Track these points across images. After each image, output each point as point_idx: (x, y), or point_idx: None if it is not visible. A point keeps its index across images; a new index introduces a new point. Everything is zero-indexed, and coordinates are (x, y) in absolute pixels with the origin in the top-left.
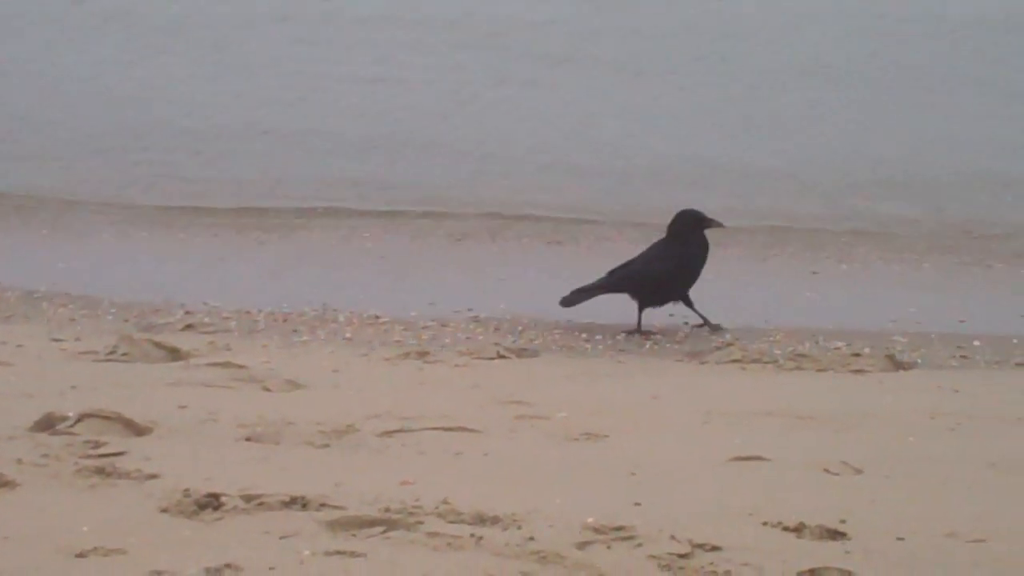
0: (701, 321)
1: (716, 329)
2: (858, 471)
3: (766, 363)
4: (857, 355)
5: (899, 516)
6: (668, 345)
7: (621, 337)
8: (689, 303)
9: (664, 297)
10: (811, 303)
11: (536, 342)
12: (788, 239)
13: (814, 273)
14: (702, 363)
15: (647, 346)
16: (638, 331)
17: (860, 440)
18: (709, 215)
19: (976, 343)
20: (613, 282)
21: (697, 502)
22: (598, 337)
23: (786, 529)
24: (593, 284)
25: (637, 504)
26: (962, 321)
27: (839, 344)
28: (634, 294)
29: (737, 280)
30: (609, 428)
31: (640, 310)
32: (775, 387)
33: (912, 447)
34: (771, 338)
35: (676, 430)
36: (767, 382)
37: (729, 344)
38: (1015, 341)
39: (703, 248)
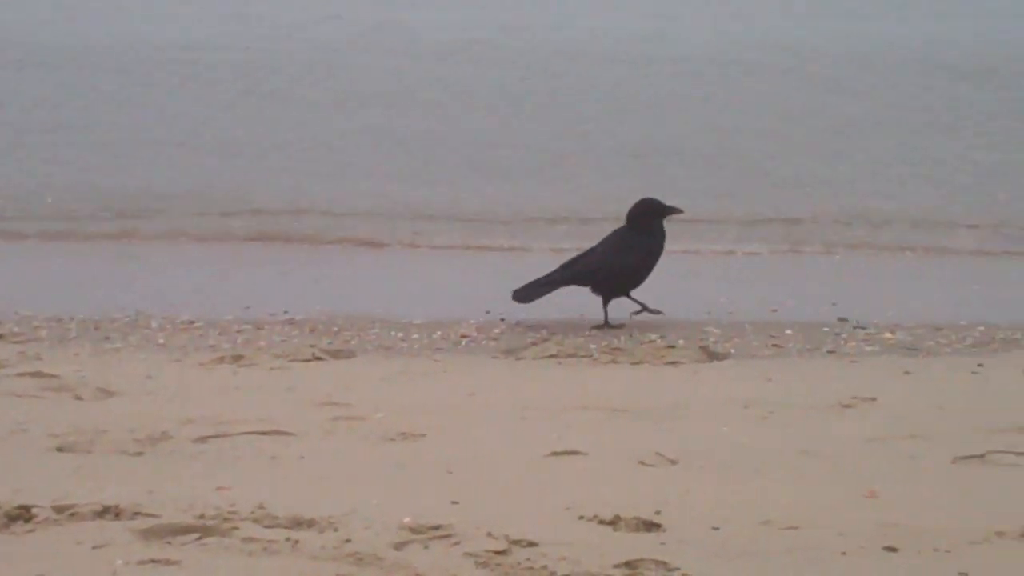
0: (639, 309)
1: (656, 313)
2: (673, 462)
3: (582, 357)
4: (671, 347)
5: (714, 506)
6: (485, 342)
7: (438, 335)
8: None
9: (627, 288)
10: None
11: (352, 342)
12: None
13: None
14: (518, 359)
15: (463, 343)
16: (607, 325)
17: (675, 431)
18: (668, 203)
19: (788, 332)
20: (577, 275)
21: (514, 498)
22: (415, 336)
23: (602, 522)
24: (551, 278)
25: (454, 502)
26: (774, 310)
27: (654, 337)
28: (599, 287)
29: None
30: (426, 427)
31: (605, 304)
32: (591, 381)
33: (726, 437)
34: (587, 332)
35: (493, 427)
36: (583, 376)
37: (545, 339)
38: (825, 329)
39: (663, 237)
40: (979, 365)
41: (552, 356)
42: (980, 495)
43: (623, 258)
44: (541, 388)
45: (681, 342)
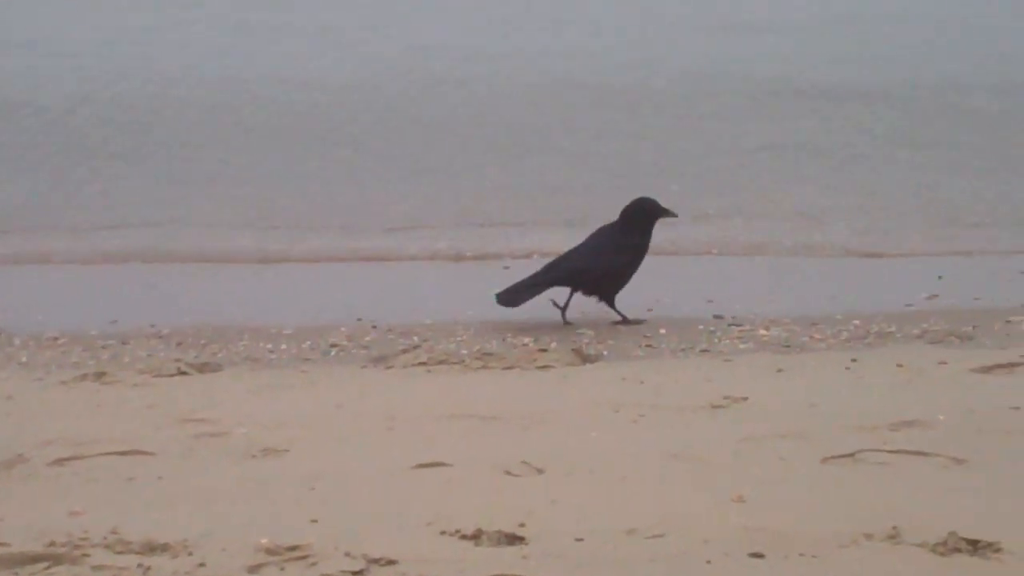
0: (561, 307)
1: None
2: (540, 471)
3: (453, 364)
4: (544, 350)
5: (579, 515)
6: (355, 350)
7: (308, 345)
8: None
9: (616, 289)
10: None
11: (219, 355)
12: None
13: (506, 268)
14: (388, 368)
15: (333, 353)
16: (626, 320)
17: (543, 439)
18: (664, 205)
19: (663, 331)
20: (565, 274)
21: (375, 514)
22: (284, 347)
23: (464, 537)
24: (536, 279)
25: (314, 521)
26: (649, 310)
27: (526, 340)
28: (587, 287)
29: (422, 279)
30: (290, 441)
31: (612, 303)
32: (461, 388)
33: (595, 442)
34: (459, 337)
35: (358, 439)
36: (453, 384)
37: (416, 346)
38: (700, 328)
39: (649, 240)
40: (852, 360)
41: (422, 364)
42: (849, 496)
43: (615, 258)
44: (410, 397)
45: (554, 345)
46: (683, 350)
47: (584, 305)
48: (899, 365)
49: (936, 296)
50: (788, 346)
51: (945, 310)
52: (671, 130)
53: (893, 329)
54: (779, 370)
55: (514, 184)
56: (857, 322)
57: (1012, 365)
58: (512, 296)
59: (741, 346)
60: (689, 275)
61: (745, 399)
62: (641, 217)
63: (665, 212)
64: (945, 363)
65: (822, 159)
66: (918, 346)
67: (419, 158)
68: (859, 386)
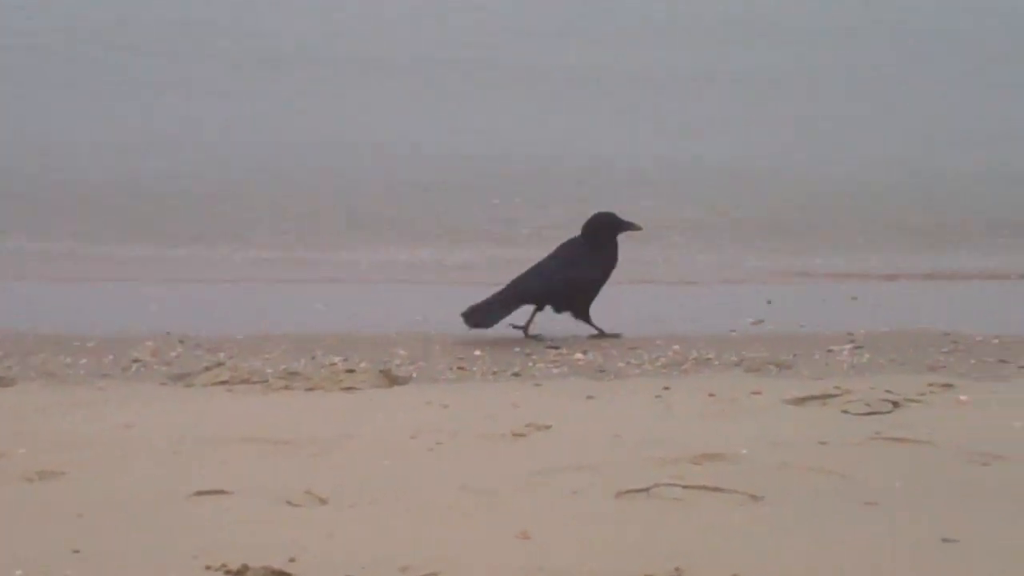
0: (523, 325)
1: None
2: (323, 501)
3: (255, 383)
4: (352, 371)
5: (355, 550)
6: (157, 367)
7: (109, 360)
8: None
9: (580, 306)
10: (318, 314)
11: (14, 369)
12: None
13: (332, 281)
14: (188, 386)
15: (133, 369)
16: (603, 334)
17: (334, 466)
18: (626, 218)
19: (477, 352)
20: (532, 290)
21: (142, 545)
22: (83, 361)
23: (228, 572)
24: (503, 297)
25: (76, 551)
26: (470, 330)
27: (336, 359)
28: (564, 304)
29: (246, 289)
30: (70, 464)
31: (587, 319)
32: (260, 410)
33: (386, 471)
34: (267, 355)
35: (141, 463)
36: (253, 404)
37: (220, 363)
38: (516, 349)
39: (616, 252)
40: (665, 388)
41: (224, 382)
42: (637, 534)
43: (583, 272)
44: (204, 418)
45: (363, 365)
46: (495, 373)
47: (404, 321)
48: (711, 394)
49: (761, 322)
50: (603, 371)
51: (768, 336)
52: None
53: (712, 356)
54: (589, 397)
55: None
56: (677, 347)
57: (826, 397)
58: (482, 317)
59: (555, 370)
60: None
61: (548, 427)
62: (604, 231)
63: (628, 225)
64: (759, 393)
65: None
66: (735, 374)
67: None
68: (667, 416)
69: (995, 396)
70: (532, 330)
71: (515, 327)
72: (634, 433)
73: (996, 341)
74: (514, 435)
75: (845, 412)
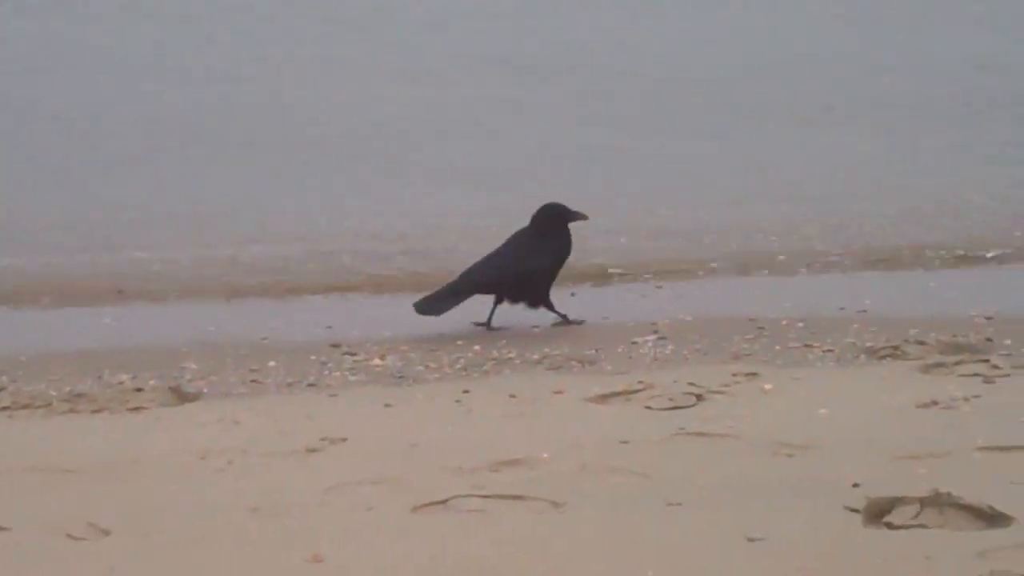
0: (485, 321)
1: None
2: (106, 532)
3: (38, 408)
4: (140, 390)
5: None
6: None
7: None
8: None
9: (533, 296)
10: (109, 330)
11: None
12: None
13: (120, 292)
14: None
15: None
16: (567, 320)
17: (118, 494)
18: (572, 208)
19: (272, 363)
20: (485, 282)
21: None
22: None
23: None
24: (454, 288)
25: None
26: (264, 338)
27: (124, 377)
28: (517, 294)
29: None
30: None
31: (548, 306)
32: (42, 436)
33: (173, 496)
34: (52, 376)
35: None
36: (33, 431)
37: (2, 387)
38: (313, 358)
39: (569, 242)
40: (464, 392)
41: (4, 408)
42: (434, 550)
43: (535, 261)
44: None
45: (152, 382)
46: (289, 385)
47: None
48: (512, 396)
49: (564, 317)
50: (402, 376)
51: (570, 331)
52: None
53: (513, 355)
54: (387, 405)
55: None
56: (477, 347)
57: (628, 392)
58: (432, 305)
59: (352, 378)
60: (310, 298)
61: (344, 440)
62: (553, 221)
63: (575, 215)
64: (561, 392)
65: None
66: (536, 373)
67: None
68: (466, 421)
69: (799, 383)
70: (495, 323)
71: (477, 324)
72: (432, 442)
73: (801, 325)
74: (308, 450)
75: (648, 408)
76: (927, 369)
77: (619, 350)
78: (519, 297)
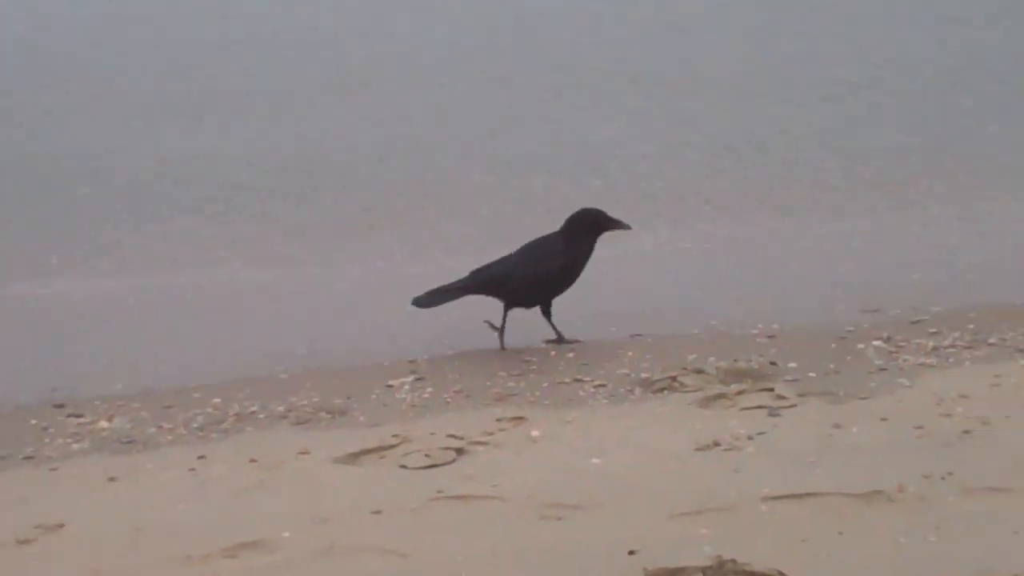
0: (555, 336)
1: (564, 342)
2: None
3: None
4: None
5: None
6: None
7: None
8: (548, 313)
9: (536, 300)
10: None
11: None
12: None
13: None
14: None
15: None
16: (562, 339)
17: None
18: (612, 216)
19: None
20: (486, 281)
21: None
22: None
23: None
24: (458, 284)
25: None
26: None
27: None
28: (513, 298)
29: None
30: None
31: (547, 318)
32: None
33: None
34: None
35: None
36: None
37: None
38: (33, 422)
39: (590, 252)
40: (200, 457)
41: None
42: None
43: (541, 265)
44: None
45: None
46: (3, 459)
47: None
48: (252, 460)
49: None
50: (131, 441)
51: (320, 373)
52: None
53: (256, 407)
54: (111, 479)
55: None
56: (217, 400)
57: (383, 449)
58: (429, 298)
59: (75, 446)
60: (31, 346)
61: (61, 527)
62: (586, 227)
63: (615, 224)
64: (307, 452)
65: None
66: (281, 430)
67: None
68: (200, 495)
69: (570, 427)
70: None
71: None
72: (160, 524)
73: (571, 355)
74: (18, 542)
75: (403, 467)
76: (707, 403)
77: (373, 396)
78: (516, 302)
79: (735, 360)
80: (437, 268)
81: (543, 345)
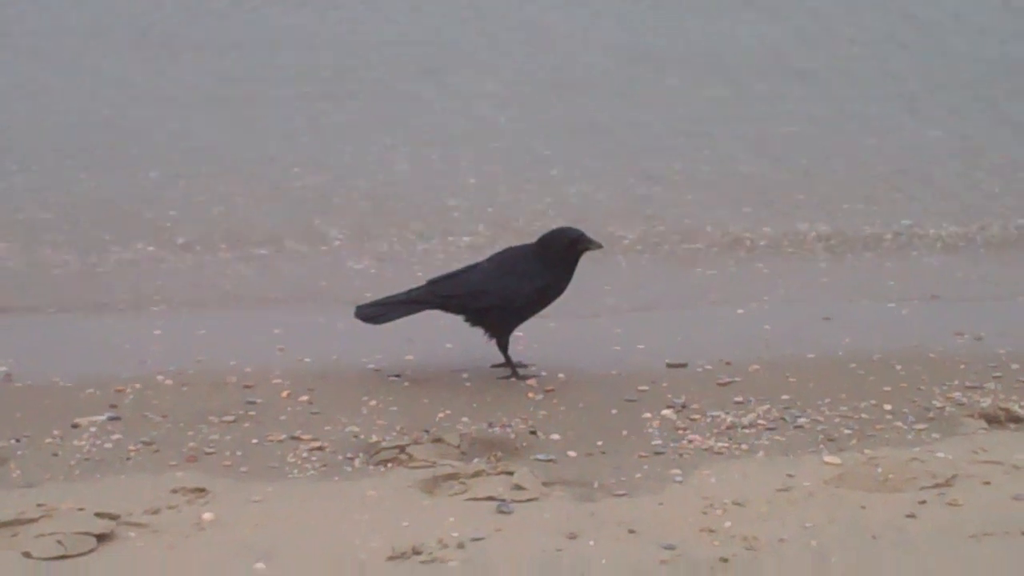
0: (502, 363)
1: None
2: None
3: None
4: None
5: None
6: None
7: None
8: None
9: (513, 322)
10: None
11: None
12: None
13: None
14: None
15: None
16: (515, 374)
17: None
18: (589, 235)
19: None
20: (453, 296)
21: None
22: None
23: None
24: (415, 295)
25: None
26: None
27: None
28: (480, 318)
29: None
30: None
31: (502, 345)
32: None
33: None
34: None
35: None
36: None
37: None
38: None
39: (570, 276)
40: None
41: None
42: None
43: (519, 285)
44: None
45: None
46: None
47: None
48: None
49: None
50: None
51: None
52: None
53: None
54: None
55: None
56: None
57: (17, 524)
58: (376, 311)
59: None
60: None
61: None
62: (561, 249)
63: (592, 244)
64: None
65: None
66: None
67: None
68: None
69: (252, 510)
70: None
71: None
72: None
73: (305, 398)
74: None
75: (27, 556)
76: (433, 484)
77: (48, 440)
78: (481, 322)
79: (489, 424)
80: None
81: (393, 378)
